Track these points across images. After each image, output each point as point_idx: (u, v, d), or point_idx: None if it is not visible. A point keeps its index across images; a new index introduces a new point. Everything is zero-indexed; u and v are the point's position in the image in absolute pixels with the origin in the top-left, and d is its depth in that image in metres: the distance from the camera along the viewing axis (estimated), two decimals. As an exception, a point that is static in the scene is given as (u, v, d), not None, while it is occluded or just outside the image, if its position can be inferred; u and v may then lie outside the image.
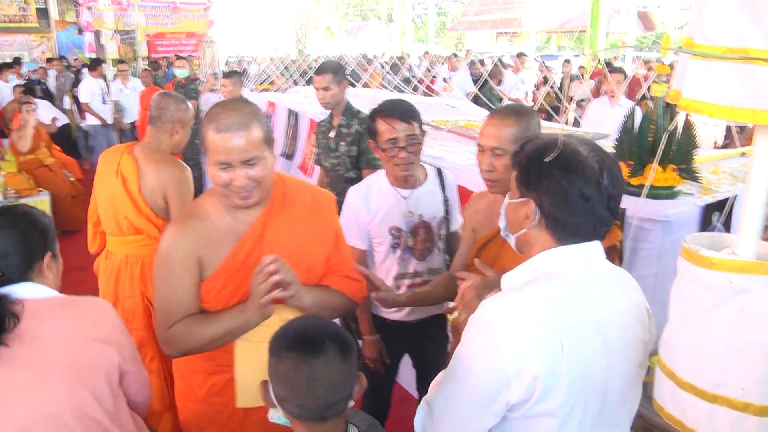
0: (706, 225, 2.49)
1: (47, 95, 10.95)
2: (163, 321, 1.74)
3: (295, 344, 1.27)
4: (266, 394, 1.35)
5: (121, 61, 9.36)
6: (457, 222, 2.48)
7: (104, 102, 8.92)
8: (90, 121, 8.93)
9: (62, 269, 1.70)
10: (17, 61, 13.40)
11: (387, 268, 2.45)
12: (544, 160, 1.23)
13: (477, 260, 1.74)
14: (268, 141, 1.69)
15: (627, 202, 2.41)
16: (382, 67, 11.17)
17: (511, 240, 1.38)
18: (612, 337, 1.23)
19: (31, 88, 9.98)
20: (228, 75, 5.68)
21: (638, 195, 2.33)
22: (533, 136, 1.35)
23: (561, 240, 1.26)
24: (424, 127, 2.40)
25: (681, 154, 2.45)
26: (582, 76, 10.57)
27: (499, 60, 9.90)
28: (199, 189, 8.10)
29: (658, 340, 1.30)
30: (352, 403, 1.35)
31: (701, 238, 1.21)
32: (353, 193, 2.44)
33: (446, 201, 2.43)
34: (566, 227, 1.24)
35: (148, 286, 2.82)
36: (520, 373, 1.15)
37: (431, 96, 7.77)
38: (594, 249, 1.28)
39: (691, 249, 1.12)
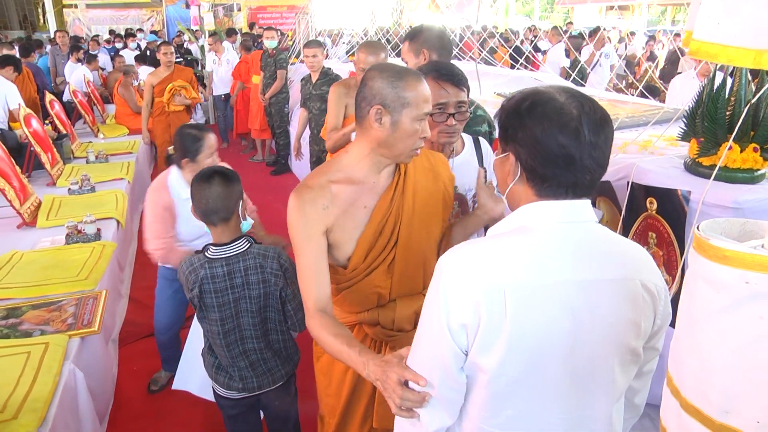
0: (792, 216, 2.13)
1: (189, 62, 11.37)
2: None
3: (201, 177, 2.25)
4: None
5: (212, 33, 9.57)
6: None
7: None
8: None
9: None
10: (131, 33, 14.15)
11: None
12: (519, 110, 1.20)
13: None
14: None
15: (693, 183, 2.10)
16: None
17: (504, 199, 1.34)
18: (577, 305, 1.14)
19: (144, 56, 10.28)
20: (307, 45, 5.58)
21: (708, 177, 2.02)
22: (516, 92, 1.26)
23: (541, 194, 1.21)
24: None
25: (765, 132, 2.10)
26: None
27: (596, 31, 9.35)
28: (284, 157, 8.13)
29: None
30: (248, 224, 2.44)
31: (729, 225, 0.96)
32: None
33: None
34: (545, 179, 1.19)
35: None
36: (462, 322, 1.14)
37: (525, 69, 7.42)
38: (578, 208, 1.20)
39: (702, 237, 0.88)
